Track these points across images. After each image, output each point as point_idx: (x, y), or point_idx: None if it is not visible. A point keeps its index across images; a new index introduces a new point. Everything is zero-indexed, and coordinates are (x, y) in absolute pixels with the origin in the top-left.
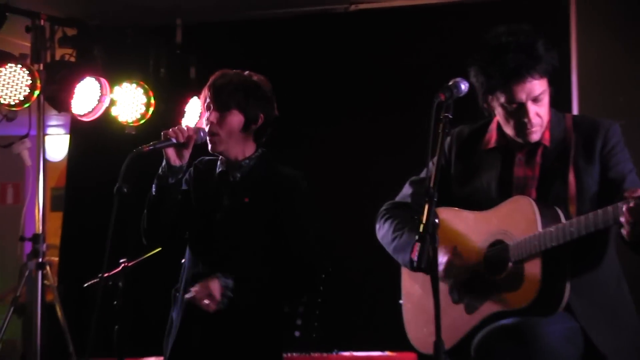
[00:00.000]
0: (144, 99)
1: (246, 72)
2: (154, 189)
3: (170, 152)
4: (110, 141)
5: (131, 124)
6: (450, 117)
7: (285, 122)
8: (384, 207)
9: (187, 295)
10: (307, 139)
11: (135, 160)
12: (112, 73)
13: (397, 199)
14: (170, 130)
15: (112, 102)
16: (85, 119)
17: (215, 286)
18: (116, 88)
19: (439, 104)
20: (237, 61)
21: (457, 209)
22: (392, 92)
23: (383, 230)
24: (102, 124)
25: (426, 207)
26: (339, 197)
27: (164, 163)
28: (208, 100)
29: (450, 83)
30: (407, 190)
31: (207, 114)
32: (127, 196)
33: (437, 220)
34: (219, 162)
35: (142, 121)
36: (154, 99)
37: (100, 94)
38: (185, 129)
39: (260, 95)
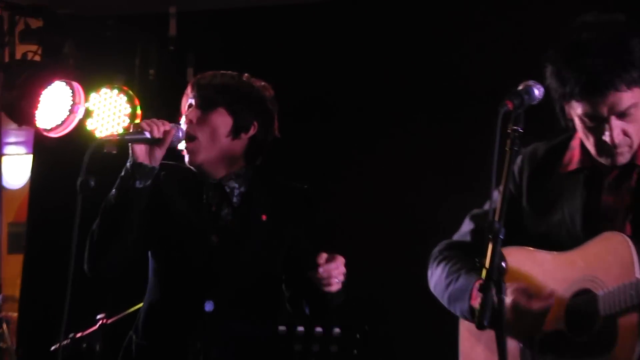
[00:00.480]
0: (129, 109)
1: (245, 75)
2: (113, 193)
3: (139, 150)
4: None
5: (116, 137)
6: (521, 131)
7: (299, 133)
8: (438, 247)
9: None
10: (329, 157)
11: (100, 150)
12: (88, 76)
13: (455, 237)
14: (144, 122)
15: (88, 113)
16: (52, 135)
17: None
18: (93, 95)
19: (506, 113)
20: (246, 60)
21: (530, 248)
22: (437, 95)
23: (435, 276)
24: (75, 141)
25: (490, 247)
26: (372, 235)
27: (128, 162)
28: (190, 99)
29: (521, 87)
30: (467, 226)
31: (185, 114)
32: (94, 192)
33: (504, 264)
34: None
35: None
36: (141, 108)
37: (72, 103)
38: (161, 123)
39: (257, 100)
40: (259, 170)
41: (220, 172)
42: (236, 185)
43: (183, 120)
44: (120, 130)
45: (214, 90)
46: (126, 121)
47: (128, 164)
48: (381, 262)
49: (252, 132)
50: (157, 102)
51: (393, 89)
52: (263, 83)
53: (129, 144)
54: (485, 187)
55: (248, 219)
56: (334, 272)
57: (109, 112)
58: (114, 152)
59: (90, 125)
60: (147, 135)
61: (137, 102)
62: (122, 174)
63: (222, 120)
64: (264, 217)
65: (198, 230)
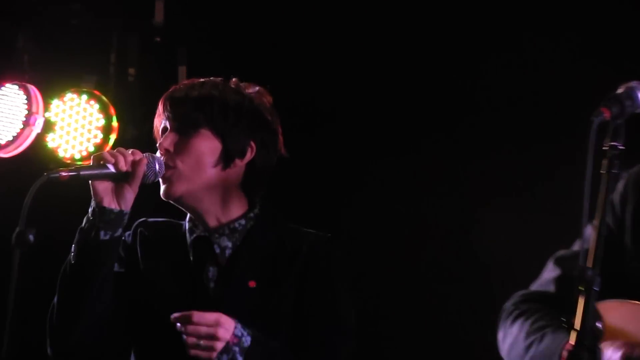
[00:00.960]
0: (102, 120)
1: (232, 81)
2: (73, 251)
3: (103, 188)
4: (45, 192)
5: (79, 163)
6: (622, 147)
7: (305, 146)
8: (511, 300)
9: (177, 319)
10: (354, 180)
11: (46, 188)
12: (48, 77)
13: (534, 287)
14: (107, 152)
15: (48, 126)
16: (2, 155)
17: (226, 327)
18: (54, 102)
19: (602, 124)
20: (252, 53)
21: (636, 303)
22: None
23: (511, 336)
24: (31, 163)
25: (581, 301)
26: (414, 283)
27: (91, 207)
28: (164, 120)
29: (621, 90)
30: (550, 272)
31: (159, 142)
32: (33, 248)
33: (600, 325)
34: (186, 224)
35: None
36: (119, 119)
37: (27, 113)
38: (131, 153)
39: (251, 112)
40: (266, 211)
41: (215, 210)
42: (229, 245)
43: (158, 144)
44: (92, 149)
45: (193, 105)
46: (98, 136)
47: (89, 210)
48: (427, 322)
49: (249, 156)
50: (140, 112)
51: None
52: (257, 88)
53: (89, 181)
54: (574, 221)
55: (232, 288)
56: (196, 330)
57: (76, 125)
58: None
59: (51, 142)
60: (111, 169)
61: (112, 111)
62: (83, 224)
63: (208, 145)
64: (251, 284)
65: (175, 297)
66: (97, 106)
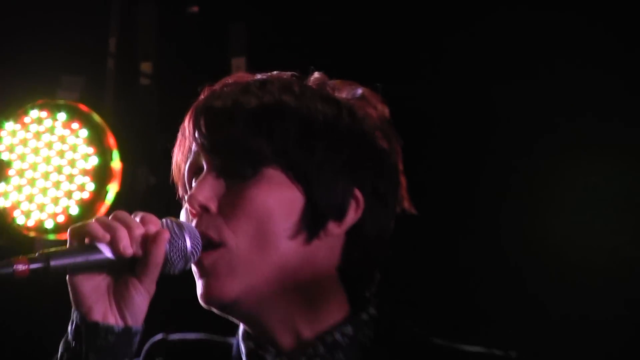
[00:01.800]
0: (93, 157)
1: (315, 76)
2: None
3: (92, 289)
4: None
5: (52, 233)
6: None
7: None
8: None
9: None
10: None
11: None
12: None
13: None
14: (97, 221)
15: None
16: None
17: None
18: (8, 126)
19: None
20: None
21: None
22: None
23: None
24: None
25: None
26: None
27: (73, 323)
28: (193, 149)
29: None
30: None
31: (189, 192)
32: None
33: None
34: (241, 344)
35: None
36: (122, 155)
37: None
38: (140, 220)
39: (356, 137)
40: (387, 313)
41: (286, 322)
42: None
43: (185, 206)
44: (75, 210)
45: (250, 125)
46: (87, 187)
47: (70, 329)
48: None
49: (352, 216)
50: (162, 141)
51: None
52: (360, 91)
53: (68, 275)
54: None
55: None
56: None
57: (47, 167)
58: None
59: (1, 198)
60: (107, 252)
61: (112, 141)
62: (60, 353)
63: (280, 199)
64: None
65: None
66: (84, 133)
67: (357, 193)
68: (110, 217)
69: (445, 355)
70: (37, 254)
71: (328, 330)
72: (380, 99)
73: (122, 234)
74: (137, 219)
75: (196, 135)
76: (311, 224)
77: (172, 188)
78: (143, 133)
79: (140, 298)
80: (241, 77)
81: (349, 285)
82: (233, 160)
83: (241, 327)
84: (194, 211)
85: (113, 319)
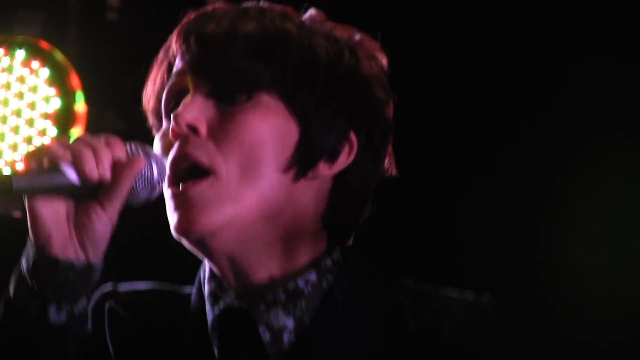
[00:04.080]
0: (56, 99)
1: (313, 13)
2: None
3: (52, 217)
4: None
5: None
6: None
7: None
8: None
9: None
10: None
11: None
12: None
13: None
14: (60, 144)
15: None
16: None
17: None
18: None
19: None
20: None
21: None
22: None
23: None
24: None
25: None
26: None
27: (28, 258)
28: (178, 71)
29: None
30: None
31: (174, 114)
32: None
33: None
34: (205, 285)
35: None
36: (87, 97)
37: None
38: (105, 144)
39: (356, 81)
40: (353, 255)
41: (261, 262)
42: (288, 324)
43: (164, 131)
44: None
45: (249, 48)
46: (49, 132)
47: (24, 265)
48: None
49: (343, 160)
50: (130, 82)
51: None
52: (359, 36)
53: (26, 200)
54: None
55: None
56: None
57: (5, 110)
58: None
59: None
60: (71, 175)
61: (76, 82)
62: (11, 292)
63: (275, 127)
64: None
65: None
66: (45, 72)
67: (352, 137)
68: (76, 141)
69: (412, 297)
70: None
71: (293, 274)
72: (379, 47)
73: (88, 156)
74: (102, 143)
75: (185, 54)
76: (303, 160)
77: (142, 132)
78: (110, 73)
79: (103, 227)
80: (229, 5)
81: (330, 235)
82: (227, 81)
83: (206, 269)
84: (178, 131)
85: (73, 251)
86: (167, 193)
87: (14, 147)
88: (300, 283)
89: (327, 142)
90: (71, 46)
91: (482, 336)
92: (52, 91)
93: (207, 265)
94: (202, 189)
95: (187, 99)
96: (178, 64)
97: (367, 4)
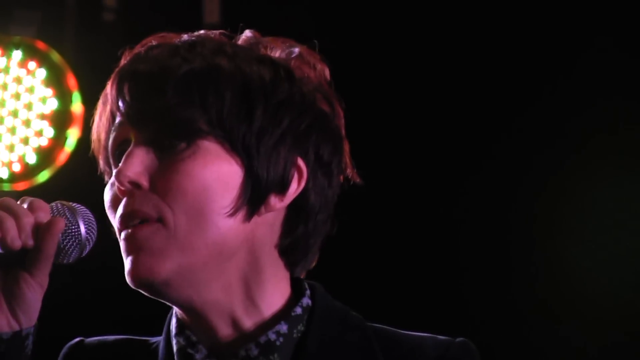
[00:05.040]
0: (52, 100)
1: (246, 35)
2: None
3: None
4: None
5: (7, 183)
6: None
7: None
8: None
9: None
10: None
11: None
12: None
13: None
14: None
15: None
16: None
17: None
18: None
19: None
20: None
21: None
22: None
23: None
24: None
25: None
26: None
27: None
28: (119, 119)
29: None
30: None
31: (115, 161)
32: None
33: None
34: (173, 339)
35: (43, 173)
36: (85, 98)
37: None
38: (26, 206)
39: (296, 101)
40: (325, 299)
41: (221, 311)
42: None
43: (112, 182)
44: (33, 159)
45: (181, 91)
46: (46, 133)
47: None
48: None
49: (294, 189)
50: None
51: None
52: (297, 50)
53: None
54: None
55: None
56: None
57: (0, 111)
58: None
59: None
60: None
61: (73, 82)
62: None
63: (218, 172)
64: None
65: None
66: (42, 73)
67: (300, 162)
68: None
69: (384, 342)
70: None
71: (267, 321)
72: (319, 58)
73: (9, 224)
74: (25, 206)
75: (120, 104)
76: (251, 199)
77: None
78: (107, 73)
79: (33, 294)
80: (166, 38)
81: (290, 264)
82: (164, 132)
83: (174, 321)
84: (122, 188)
85: (5, 322)
86: (120, 238)
87: (11, 148)
88: (272, 336)
89: (274, 174)
90: (68, 46)
91: None
92: (49, 92)
93: (174, 318)
94: (149, 232)
95: (128, 152)
96: (117, 114)
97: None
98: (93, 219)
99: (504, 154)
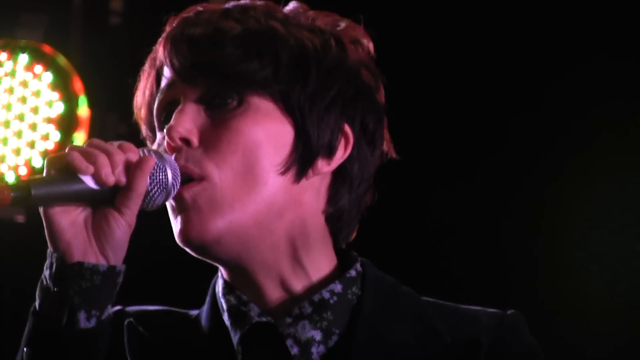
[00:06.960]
0: (59, 104)
1: (293, 5)
2: (23, 352)
3: (70, 224)
4: None
5: (15, 187)
6: None
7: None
8: None
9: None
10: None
11: None
12: None
13: None
14: (76, 150)
15: None
16: None
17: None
18: None
19: None
20: None
21: None
22: None
23: None
24: None
25: None
26: None
27: (50, 267)
28: (166, 83)
29: None
30: None
31: (167, 127)
32: None
33: None
34: (223, 303)
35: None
36: (90, 101)
37: None
38: (118, 147)
39: (345, 70)
40: (373, 270)
41: (271, 272)
42: (316, 336)
43: (158, 143)
44: (34, 170)
45: (238, 50)
46: (52, 136)
47: (47, 273)
48: None
49: (340, 155)
50: (133, 86)
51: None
52: (344, 23)
53: (42, 208)
54: None
55: None
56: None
57: (8, 115)
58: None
59: None
60: (88, 182)
61: (79, 86)
62: (38, 303)
63: (270, 131)
64: None
65: None
66: (48, 77)
67: (347, 129)
68: (86, 145)
69: (437, 311)
70: (17, 182)
71: (316, 284)
72: (364, 33)
73: (103, 161)
74: (115, 146)
75: (173, 62)
76: (301, 159)
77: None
78: (113, 77)
79: (122, 232)
80: (209, 6)
81: (334, 233)
82: (217, 87)
83: (220, 282)
84: (172, 144)
85: (94, 257)
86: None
87: (17, 152)
88: (326, 294)
89: (324, 138)
90: (74, 50)
91: (520, 345)
92: (55, 95)
93: (220, 280)
94: (195, 192)
95: (179, 108)
96: (167, 73)
97: None
98: (178, 168)
99: (508, 155)
